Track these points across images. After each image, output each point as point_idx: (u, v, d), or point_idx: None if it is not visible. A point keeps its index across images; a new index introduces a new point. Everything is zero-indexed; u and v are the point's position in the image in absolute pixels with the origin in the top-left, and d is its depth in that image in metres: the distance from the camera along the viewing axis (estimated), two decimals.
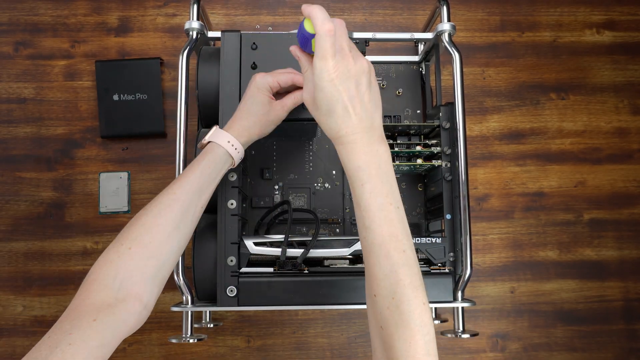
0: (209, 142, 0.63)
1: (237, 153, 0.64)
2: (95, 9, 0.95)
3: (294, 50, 0.55)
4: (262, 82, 0.64)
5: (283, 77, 0.65)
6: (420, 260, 0.71)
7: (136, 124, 0.91)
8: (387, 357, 0.47)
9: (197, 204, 0.60)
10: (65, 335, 0.46)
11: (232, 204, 0.67)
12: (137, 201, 0.91)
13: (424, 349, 0.45)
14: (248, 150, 0.80)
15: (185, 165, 0.71)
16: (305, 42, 0.52)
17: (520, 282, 0.92)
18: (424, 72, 0.86)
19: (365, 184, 0.50)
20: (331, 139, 0.53)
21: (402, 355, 0.45)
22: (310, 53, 0.53)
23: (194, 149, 0.73)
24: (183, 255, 0.69)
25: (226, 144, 0.62)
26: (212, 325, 0.85)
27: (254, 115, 0.64)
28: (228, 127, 0.64)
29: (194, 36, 0.73)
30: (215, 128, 0.64)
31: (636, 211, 0.94)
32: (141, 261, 0.54)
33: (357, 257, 0.71)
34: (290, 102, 0.66)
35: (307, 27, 0.51)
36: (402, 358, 0.45)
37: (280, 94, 0.67)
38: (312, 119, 0.69)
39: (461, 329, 0.71)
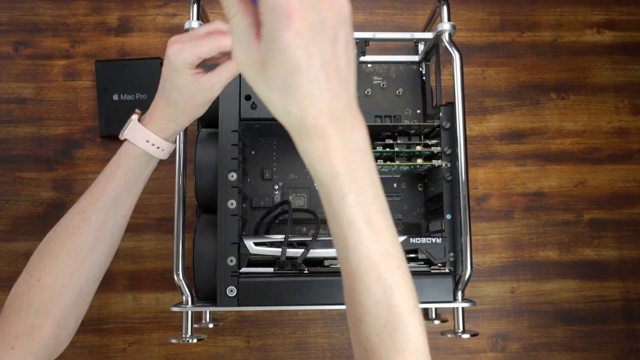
0: (125, 139, 0.53)
1: (160, 151, 0.54)
2: (95, 8, 0.95)
3: None
4: (177, 61, 0.49)
5: (205, 46, 0.49)
6: (420, 260, 0.71)
7: None
8: None
9: (116, 216, 0.54)
10: None
11: (232, 204, 0.67)
12: (137, 201, 0.91)
13: None
14: (248, 151, 0.80)
15: (185, 165, 0.71)
16: None
17: (520, 282, 0.91)
18: (424, 72, 0.86)
19: (348, 195, 0.35)
20: (289, 130, 0.35)
21: None
22: None
23: (193, 149, 0.73)
24: (183, 255, 0.69)
25: (144, 145, 0.53)
26: (212, 326, 0.85)
27: (175, 103, 0.52)
28: (149, 118, 0.53)
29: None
30: (133, 121, 0.53)
31: (636, 211, 0.94)
32: (54, 291, 0.51)
33: None
34: (225, 74, 0.51)
35: None
36: None
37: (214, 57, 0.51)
38: None
39: (461, 329, 0.71)
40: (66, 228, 0.52)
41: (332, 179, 0.35)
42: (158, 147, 0.54)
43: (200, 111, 0.54)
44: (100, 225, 0.52)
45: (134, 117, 0.54)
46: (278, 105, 0.34)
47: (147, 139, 0.53)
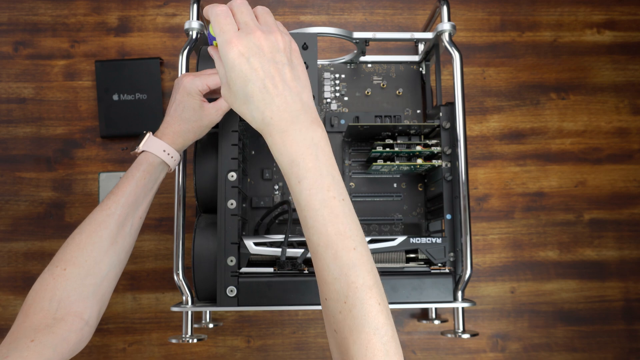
0: (143, 151, 0.62)
1: (172, 160, 0.63)
2: (95, 8, 0.95)
3: (209, 50, 0.51)
4: (191, 87, 0.62)
5: (212, 79, 0.63)
6: (420, 260, 0.71)
7: (136, 124, 0.91)
8: None
9: (134, 216, 0.60)
10: (1, 359, 0.46)
11: (232, 204, 0.67)
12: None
13: (382, 350, 0.41)
14: (248, 151, 0.80)
15: (185, 165, 0.71)
16: (212, 41, 0.50)
17: (521, 282, 0.91)
18: (424, 72, 0.86)
19: (303, 180, 0.43)
20: (259, 131, 0.46)
21: (359, 359, 0.41)
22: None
23: (193, 149, 0.73)
24: (183, 255, 0.69)
25: (161, 154, 0.62)
26: (212, 326, 0.85)
27: (186, 122, 0.63)
28: (161, 134, 0.63)
29: (194, 36, 0.73)
30: (148, 135, 0.62)
31: (636, 211, 0.94)
32: (77, 281, 0.54)
33: None
34: (223, 104, 0.64)
35: (211, 28, 0.47)
36: None
37: (216, 91, 0.65)
38: None
39: (461, 329, 0.71)
40: (91, 222, 0.58)
41: (289, 166, 0.44)
42: (171, 157, 0.63)
43: (204, 131, 0.65)
44: (122, 220, 0.59)
45: (148, 133, 0.63)
46: (246, 113, 0.45)
47: (164, 149, 0.62)
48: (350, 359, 0.41)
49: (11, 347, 0.48)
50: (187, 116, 0.63)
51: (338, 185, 0.44)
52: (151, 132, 0.63)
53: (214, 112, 0.64)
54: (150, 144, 0.62)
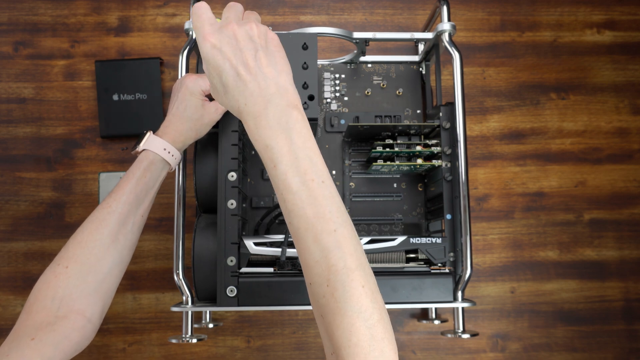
0: (143, 149, 0.62)
1: (173, 159, 0.63)
2: (95, 8, 0.95)
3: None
4: (194, 87, 0.64)
5: None
6: (420, 260, 0.71)
7: (136, 124, 0.91)
8: (332, 346, 0.41)
9: (135, 214, 0.60)
10: (2, 358, 0.46)
11: (232, 204, 0.67)
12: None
13: (366, 334, 0.40)
14: (248, 151, 0.80)
15: (185, 165, 0.71)
16: None
17: (521, 282, 0.91)
18: (424, 72, 0.86)
19: (278, 164, 0.43)
20: (239, 117, 0.46)
21: (344, 344, 0.40)
22: None
23: (193, 149, 0.73)
24: (183, 255, 0.69)
25: (162, 152, 0.62)
26: (212, 326, 0.85)
27: (188, 120, 0.64)
28: (162, 133, 0.64)
29: (194, 36, 0.73)
30: (149, 134, 0.63)
31: (636, 211, 0.94)
32: (79, 278, 0.54)
33: None
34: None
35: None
36: (344, 347, 0.40)
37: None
38: (312, 119, 0.69)
39: (461, 329, 0.71)
40: (93, 220, 0.58)
41: (264, 150, 0.44)
42: (172, 155, 0.63)
43: (205, 130, 0.66)
44: (124, 218, 0.59)
45: (149, 132, 0.63)
46: (227, 104, 0.46)
47: (164, 147, 0.62)
48: (335, 344, 0.40)
49: (12, 346, 0.48)
50: (188, 115, 0.64)
51: (316, 168, 0.43)
52: (152, 131, 0.64)
53: (214, 111, 0.65)
54: (151, 142, 0.62)
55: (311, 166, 0.43)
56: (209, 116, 0.65)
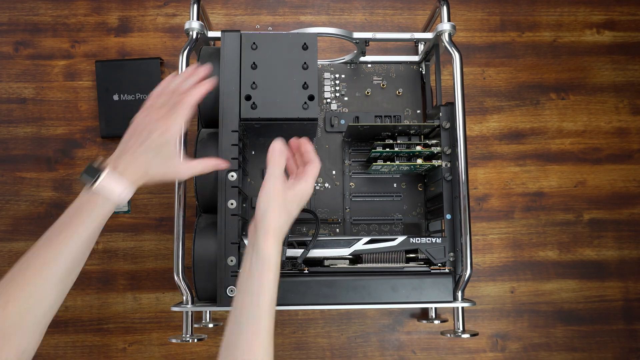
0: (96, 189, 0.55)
1: (125, 199, 0.57)
2: (95, 9, 0.95)
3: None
4: (180, 132, 0.59)
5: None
6: (420, 260, 0.71)
7: None
8: None
9: (84, 255, 0.56)
10: None
11: (232, 204, 0.67)
12: (137, 201, 0.91)
13: None
14: (248, 151, 0.81)
15: None
16: None
17: (520, 282, 0.92)
18: (424, 72, 0.86)
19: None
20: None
21: None
22: None
23: (193, 149, 0.73)
24: (183, 255, 0.69)
25: (118, 197, 0.55)
26: (212, 325, 0.85)
27: (160, 165, 0.58)
28: (124, 168, 0.56)
29: (194, 36, 0.73)
30: (107, 171, 0.55)
31: (636, 211, 0.94)
32: (19, 317, 0.51)
33: (357, 257, 0.71)
34: (200, 167, 0.62)
35: None
36: None
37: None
38: (312, 119, 0.70)
39: (461, 329, 0.72)
40: (39, 258, 0.53)
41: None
42: (126, 197, 0.56)
43: (165, 180, 0.60)
44: (71, 261, 0.54)
45: (107, 167, 0.56)
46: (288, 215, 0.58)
47: (123, 189, 0.56)
48: None
49: None
50: (163, 159, 0.58)
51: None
52: (109, 168, 0.56)
53: (185, 170, 0.61)
54: (109, 183, 0.55)
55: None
56: (177, 171, 0.60)
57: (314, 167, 0.60)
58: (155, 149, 0.58)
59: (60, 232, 0.55)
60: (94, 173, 0.55)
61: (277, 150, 0.58)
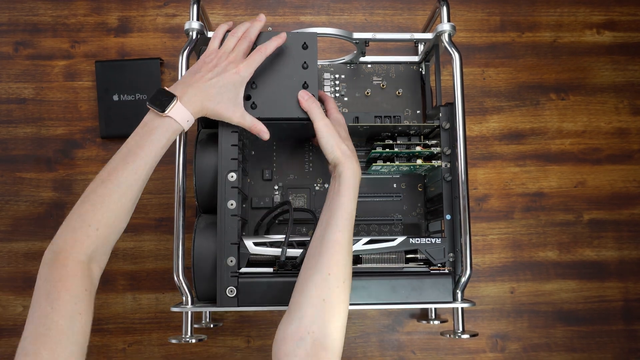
0: (167, 115, 0.60)
1: (188, 127, 0.63)
2: (95, 9, 0.95)
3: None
4: (249, 77, 0.65)
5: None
6: (420, 260, 0.71)
7: (136, 124, 0.89)
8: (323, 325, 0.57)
9: (146, 180, 0.61)
10: (72, 306, 0.53)
11: (232, 204, 0.67)
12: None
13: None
14: (248, 151, 0.81)
15: (185, 166, 0.71)
16: None
17: (520, 282, 0.92)
18: (424, 72, 0.86)
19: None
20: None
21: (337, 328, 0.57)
22: None
23: (193, 149, 0.73)
24: (183, 256, 0.69)
25: (185, 123, 0.61)
26: (212, 326, 0.85)
27: (220, 103, 0.63)
28: (188, 102, 0.61)
29: (194, 36, 0.73)
30: (177, 102, 0.60)
31: (636, 211, 0.94)
32: (106, 239, 0.58)
33: (356, 258, 0.71)
34: (249, 122, 0.66)
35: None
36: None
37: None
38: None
39: (461, 329, 0.71)
40: (122, 184, 0.58)
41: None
42: (189, 125, 0.62)
43: (220, 118, 0.65)
44: (142, 184, 0.60)
45: (176, 98, 0.61)
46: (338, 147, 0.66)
47: (188, 119, 0.62)
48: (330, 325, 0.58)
49: (76, 299, 0.54)
50: (228, 101, 0.64)
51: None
52: (177, 97, 0.61)
53: (239, 116, 0.65)
54: (178, 112, 0.61)
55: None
56: (234, 114, 0.65)
57: (330, 101, 0.73)
58: (222, 87, 0.63)
59: (137, 156, 0.59)
60: (165, 99, 0.60)
61: (308, 97, 0.67)
